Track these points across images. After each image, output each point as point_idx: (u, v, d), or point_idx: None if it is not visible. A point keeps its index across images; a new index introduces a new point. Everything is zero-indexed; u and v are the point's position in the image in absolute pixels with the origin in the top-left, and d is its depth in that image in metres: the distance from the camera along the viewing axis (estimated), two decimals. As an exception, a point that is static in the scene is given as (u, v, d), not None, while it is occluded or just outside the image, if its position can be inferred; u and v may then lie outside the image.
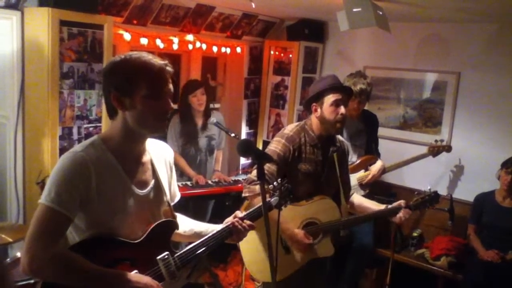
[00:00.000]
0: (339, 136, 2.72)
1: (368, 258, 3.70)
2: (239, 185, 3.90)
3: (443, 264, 3.65)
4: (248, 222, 1.88)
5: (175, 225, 1.76)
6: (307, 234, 2.47)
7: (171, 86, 1.59)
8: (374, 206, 2.69)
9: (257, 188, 2.42)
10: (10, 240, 2.52)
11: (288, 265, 2.49)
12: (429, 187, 2.70)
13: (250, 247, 2.50)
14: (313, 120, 2.58)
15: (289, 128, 2.61)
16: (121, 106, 1.55)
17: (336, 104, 2.48)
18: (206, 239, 1.79)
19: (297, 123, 2.67)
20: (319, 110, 2.52)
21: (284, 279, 2.45)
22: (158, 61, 1.56)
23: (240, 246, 2.54)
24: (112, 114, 1.60)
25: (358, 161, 3.61)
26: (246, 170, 4.87)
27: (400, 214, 2.56)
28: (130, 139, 1.60)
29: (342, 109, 2.48)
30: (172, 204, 1.82)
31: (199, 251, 1.75)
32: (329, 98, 2.49)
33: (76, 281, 1.46)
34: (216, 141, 4.00)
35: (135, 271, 1.59)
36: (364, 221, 2.70)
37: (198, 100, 3.77)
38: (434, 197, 2.66)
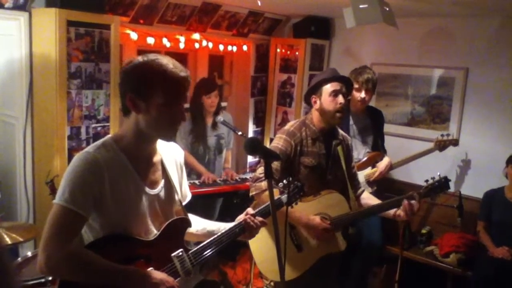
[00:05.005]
0: (341, 131, 2.71)
1: (376, 255, 3.68)
2: (247, 183, 3.90)
3: (452, 261, 3.63)
4: (260, 218, 1.89)
5: (188, 223, 1.78)
6: (324, 219, 2.45)
7: (187, 95, 1.60)
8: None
9: (263, 184, 2.43)
10: (21, 239, 2.54)
11: (300, 263, 2.49)
12: (438, 173, 2.61)
13: (260, 246, 2.50)
14: (314, 114, 2.60)
15: (290, 124, 2.63)
16: (135, 109, 1.55)
17: (334, 94, 2.49)
18: (219, 236, 1.80)
19: (298, 119, 2.68)
20: (318, 101, 2.54)
21: (296, 278, 2.44)
22: (179, 71, 1.55)
23: (250, 246, 2.54)
24: (126, 112, 1.60)
25: (365, 158, 3.60)
26: (254, 168, 4.86)
27: (405, 202, 2.44)
28: (141, 140, 1.61)
29: (340, 99, 2.49)
30: (183, 204, 1.83)
31: (212, 248, 1.77)
32: (328, 89, 2.51)
33: (92, 278, 1.48)
34: (225, 141, 4.01)
35: (151, 268, 1.61)
36: (373, 213, 2.66)
37: (212, 102, 3.78)
38: (444, 182, 2.56)
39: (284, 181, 2.08)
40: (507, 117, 3.84)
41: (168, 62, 1.55)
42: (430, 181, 2.57)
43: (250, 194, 2.51)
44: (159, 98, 1.52)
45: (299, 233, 2.52)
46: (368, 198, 2.73)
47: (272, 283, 3.98)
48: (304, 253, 2.50)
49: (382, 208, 2.58)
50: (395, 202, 2.52)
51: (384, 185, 3.70)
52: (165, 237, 1.67)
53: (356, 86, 3.48)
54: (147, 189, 1.64)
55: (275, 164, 2.44)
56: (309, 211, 2.50)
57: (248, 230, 1.86)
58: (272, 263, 2.45)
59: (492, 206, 3.60)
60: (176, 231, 1.73)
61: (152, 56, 1.56)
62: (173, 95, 1.54)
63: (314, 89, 2.57)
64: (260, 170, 2.50)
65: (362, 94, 3.46)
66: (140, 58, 1.57)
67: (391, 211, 2.56)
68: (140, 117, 1.56)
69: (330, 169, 2.59)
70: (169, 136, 1.63)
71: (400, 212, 2.50)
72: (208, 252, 1.75)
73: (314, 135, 2.55)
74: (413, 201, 2.46)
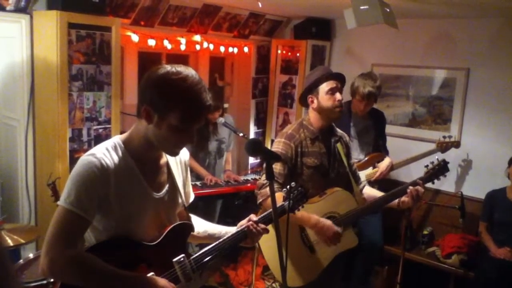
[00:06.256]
0: (338, 129, 2.72)
1: (377, 255, 3.69)
2: (248, 184, 3.91)
3: (454, 262, 3.62)
4: (262, 225, 1.87)
5: (191, 228, 1.78)
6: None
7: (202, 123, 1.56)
8: None
9: (268, 190, 2.42)
10: (23, 241, 2.54)
11: (315, 265, 2.49)
12: (436, 157, 2.66)
13: (274, 253, 2.48)
14: (311, 114, 2.60)
15: (288, 127, 2.64)
16: (148, 119, 1.51)
17: (331, 91, 2.51)
18: (221, 242, 1.79)
19: (295, 122, 2.68)
20: (315, 101, 2.55)
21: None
22: (204, 98, 1.50)
23: (264, 255, 2.53)
24: (139, 115, 1.57)
25: (366, 159, 3.60)
26: (255, 169, 4.88)
27: (411, 188, 2.46)
28: (149, 145, 1.59)
29: (338, 96, 2.51)
30: (187, 204, 1.83)
31: (214, 254, 1.76)
32: (324, 87, 2.52)
33: (94, 283, 1.47)
34: (226, 144, 4.01)
35: (152, 273, 1.60)
36: (381, 205, 2.66)
37: (214, 117, 3.78)
38: (443, 165, 2.61)
39: (288, 186, 2.07)
40: (509, 117, 3.83)
41: (196, 85, 1.49)
42: (430, 166, 2.61)
43: (258, 201, 2.50)
44: (174, 120, 1.49)
45: (310, 235, 2.51)
46: (371, 191, 2.74)
47: (274, 285, 3.98)
48: (318, 254, 2.50)
49: (388, 199, 2.59)
50: (400, 191, 2.53)
51: (385, 186, 3.70)
52: (167, 242, 1.66)
53: (357, 97, 3.49)
54: (153, 193, 1.63)
55: (279, 168, 2.45)
56: (317, 211, 2.49)
57: (250, 236, 1.84)
58: (288, 270, 2.44)
59: (494, 207, 3.59)
60: (178, 235, 1.72)
61: (183, 72, 1.50)
62: (189, 122, 1.51)
63: (310, 89, 2.57)
64: (264, 177, 2.49)
65: (362, 107, 3.51)
66: (169, 69, 1.50)
67: (396, 201, 2.58)
68: (150, 127, 1.53)
69: (332, 167, 2.59)
70: (173, 153, 1.62)
71: (405, 198, 2.52)
72: (209, 258, 1.74)
73: (312, 135, 2.56)
74: (418, 187, 2.48)
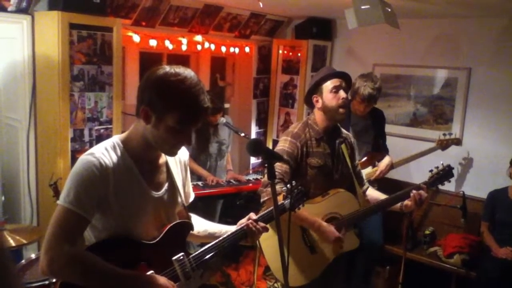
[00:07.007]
0: (343, 130, 2.72)
1: (377, 254, 3.68)
2: (250, 184, 3.91)
3: (456, 262, 3.61)
4: (262, 224, 1.87)
5: (190, 227, 1.78)
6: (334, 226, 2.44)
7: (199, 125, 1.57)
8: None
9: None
10: (24, 241, 2.54)
11: (315, 265, 2.48)
12: (441, 162, 2.65)
13: (274, 252, 2.48)
14: (317, 114, 2.60)
15: (293, 126, 2.63)
16: (146, 120, 1.52)
17: (335, 90, 2.50)
18: (220, 240, 1.79)
19: (300, 121, 2.68)
20: (320, 100, 2.54)
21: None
22: (201, 100, 1.50)
23: (264, 254, 2.52)
24: (138, 114, 1.57)
25: (365, 158, 3.60)
26: (257, 169, 4.88)
27: (414, 192, 2.46)
28: (148, 145, 1.60)
29: (342, 94, 2.50)
30: (187, 204, 1.83)
31: (214, 252, 1.76)
32: (327, 86, 2.51)
33: (94, 282, 1.48)
34: (226, 145, 4.01)
35: (151, 271, 1.61)
36: (383, 207, 2.65)
37: (215, 119, 3.79)
38: (448, 171, 2.60)
39: (288, 185, 2.07)
40: (510, 117, 3.82)
41: (194, 86, 1.50)
42: (435, 171, 2.60)
43: (262, 200, 2.49)
44: (172, 121, 1.49)
45: (312, 235, 2.51)
46: (374, 193, 2.73)
47: (275, 285, 3.97)
48: (318, 255, 2.50)
49: (391, 202, 2.58)
50: (403, 194, 2.53)
51: (385, 185, 3.69)
52: (166, 240, 1.67)
53: (357, 98, 3.48)
54: (152, 192, 1.64)
55: (283, 167, 2.44)
56: (320, 211, 2.48)
57: (250, 235, 1.84)
58: (289, 269, 2.45)
59: (496, 207, 3.58)
60: (178, 234, 1.72)
61: (181, 73, 1.50)
62: (187, 123, 1.52)
63: (314, 89, 2.57)
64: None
65: (362, 108, 3.51)
66: (168, 70, 1.51)
67: (398, 204, 2.57)
68: (148, 127, 1.54)
69: (336, 168, 2.59)
70: (170, 153, 1.63)
71: (407, 202, 2.51)
72: (209, 256, 1.75)
73: (317, 135, 2.55)
74: (421, 191, 2.48)
